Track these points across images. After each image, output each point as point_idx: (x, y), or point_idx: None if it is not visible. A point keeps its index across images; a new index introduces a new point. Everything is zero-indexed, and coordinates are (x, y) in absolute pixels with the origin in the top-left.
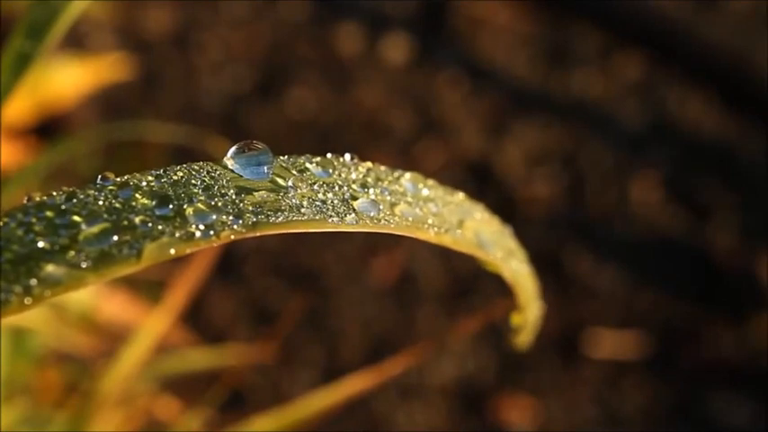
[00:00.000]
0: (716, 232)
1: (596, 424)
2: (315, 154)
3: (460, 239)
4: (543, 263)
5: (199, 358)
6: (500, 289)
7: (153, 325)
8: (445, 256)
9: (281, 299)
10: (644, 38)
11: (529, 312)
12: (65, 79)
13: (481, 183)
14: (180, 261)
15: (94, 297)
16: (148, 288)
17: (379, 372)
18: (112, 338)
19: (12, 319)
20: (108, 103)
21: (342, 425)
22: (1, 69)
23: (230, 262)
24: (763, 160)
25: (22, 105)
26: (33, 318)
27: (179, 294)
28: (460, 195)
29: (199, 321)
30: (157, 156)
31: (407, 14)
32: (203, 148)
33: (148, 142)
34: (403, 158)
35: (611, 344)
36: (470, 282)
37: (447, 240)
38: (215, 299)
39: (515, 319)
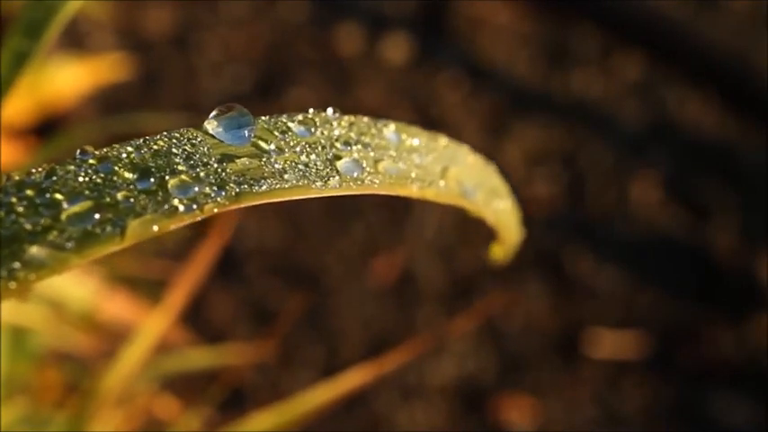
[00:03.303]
0: (716, 232)
1: (596, 424)
2: None
3: (443, 191)
4: (543, 263)
5: (199, 358)
6: (500, 289)
7: (153, 325)
8: (445, 256)
9: (280, 299)
10: (644, 38)
11: (509, 241)
12: (64, 79)
13: None
14: (180, 260)
15: (94, 296)
16: (148, 288)
17: (378, 367)
18: (112, 338)
19: (12, 319)
20: (108, 103)
21: (342, 424)
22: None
23: (230, 261)
24: (763, 160)
25: (21, 105)
26: (33, 317)
27: (179, 294)
28: (443, 140)
29: (199, 321)
30: None
31: (407, 14)
32: None
33: (147, 135)
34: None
35: (611, 344)
36: (470, 282)
37: (430, 194)
38: (215, 298)
39: (494, 250)
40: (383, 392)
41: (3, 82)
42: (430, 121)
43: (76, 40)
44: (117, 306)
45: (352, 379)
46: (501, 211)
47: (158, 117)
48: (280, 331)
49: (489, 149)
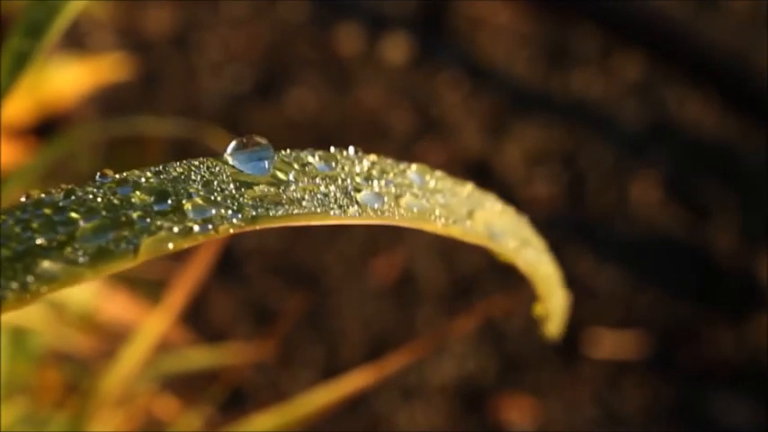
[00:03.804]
0: (716, 232)
1: (596, 424)
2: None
3: (470, 230)
4: None
5: (199, 357)
6: (500, 289)
7: (153, 324)
8: (445, 256)
9: (280, 299)
10: (644, 38)
11: (553, 301)
12: (65, 79)
13: (481, 183)
14: (180, 260)
15: (95, 297)
16: (148, 287)
17: (379, 369)
18: (112, 338)
19: (12, 319)
20: (108, 102)
21: (342, 424)
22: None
23: (230, 261)
24: (763, 160)
25: (21, 105)
26: (33, 318)
27: (179, 294)
28: (469, 186)
29: (199, 321)
30: (157, 152)
31: (407, 14)
32: (203, 144)
33: (148, 139)
34: (403, 158)
35: (611, 344)
36: (470, 282)
37: (456, 232)
38: (215, 298)
39: (537, 310)
40: (383, 392)
41: (3, 83)
42: (430, 121)
43: (76, 40)
44: (117, 306)
45: (352, 381)
46: (536, 262)
47: (158, 120)
48: (280, 331)
49: (489, 149)
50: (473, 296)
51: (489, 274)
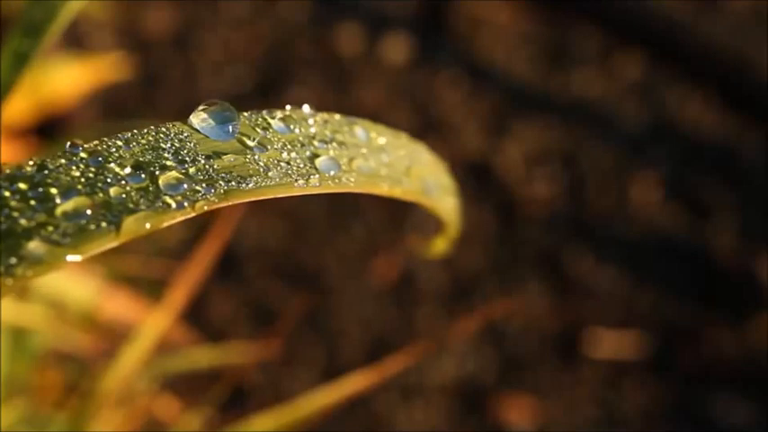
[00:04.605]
0: (716, 232)
1: (596, 424)
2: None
3: (409, 190)
4: (543, 263)
5: (199, 357)
6: (500, 289)
7: (153, 324)
8: (445, 256)
9: (281, 298)
10: (644, 38)
11: (451, 235)
12: (65, 79)
13: (481, 183)
14: (181, 259)
15: (95, 296)
16: (149, 287)
17: (379, 370)
18: (113, 338)
19: (12, 319)
20: (108, 103)
21: (342, 425)
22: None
23: (231, 261)
24: (763, 160)
25: (21, 105)
26: (33, 318)
27: (179, 293)
28: (404, 137)
29: (199, 321)
30: None
31: (407, 14)
32: None
33: None
34: None
35: (611, 344)
36: (470, 282)
37: (398, 192)
38: (216, 298)
39: (438, 241)
40: (383, 392)
41: (3, 83)
42: (430, 121)
43: (76, 40)
44: (117, 305)
45: (353, 383)
46: (450, 209)
47: (159, 122)
48: (280, 331)
49: (489, 149)
50: (473, 297)
51: (489, 275)
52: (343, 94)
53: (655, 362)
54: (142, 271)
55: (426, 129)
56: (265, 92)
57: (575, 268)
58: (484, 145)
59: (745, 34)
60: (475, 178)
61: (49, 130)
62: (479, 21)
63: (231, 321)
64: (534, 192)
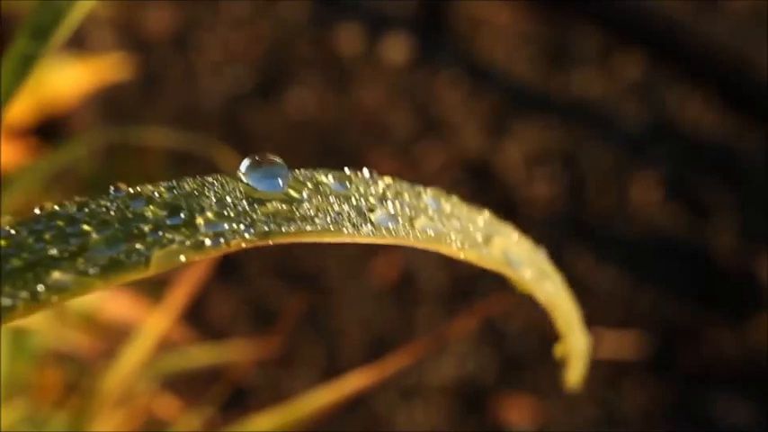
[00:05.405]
0: (716, 232)
1: (596, 424)
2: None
3: (486, 256)
4: None
5: (199, 357)
6: (500, 289)
7: (154, 324)
8: (445, 256)
9: (281, 298)
10: (644, 38)
11: (573, 340)
12: (65, 79)
13: (481, 183)
14: None
15: (95, 296)
16: (149, 287)
17: (379, 369)
18: (113, 337)
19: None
20: (108, 103)
21: (342, 424)
22: (1, 71)
23: (231, 261)
24: (763, 160)
25: (22, 106)
26: (33, 318)
27: (180, 293)
28: (486, 214)
29: (199, 320)
30: (158, 157)
31: (407, 14)
32: (203, 151)
33: (150, 146)
34: (403, 159)
35: (611, 344)
36: (470, 282)
37: (472, 256)
38: (216, 298)
39: (559, 350)
40: (383, 392)
41: (8, 85)
42: (430, 121)
43: (76, 40)
44: (118, 305)
45: (352, 382)
46: (555, 295)
47: (161, 129)
48: (281, 331)
49: (489, 149)
50: (473, 296)
51: (489, 275)
52: (343, 94)
53: (655, 362)
54: None
55: (426, 129)
56: (265, 92)
57: (574, 268)
58: (484, 145)
59: (745, 34)
60: (475, 178)
61: (49, 130)
62: (479, 21)
63: (231, 321)
64: (534, 192)
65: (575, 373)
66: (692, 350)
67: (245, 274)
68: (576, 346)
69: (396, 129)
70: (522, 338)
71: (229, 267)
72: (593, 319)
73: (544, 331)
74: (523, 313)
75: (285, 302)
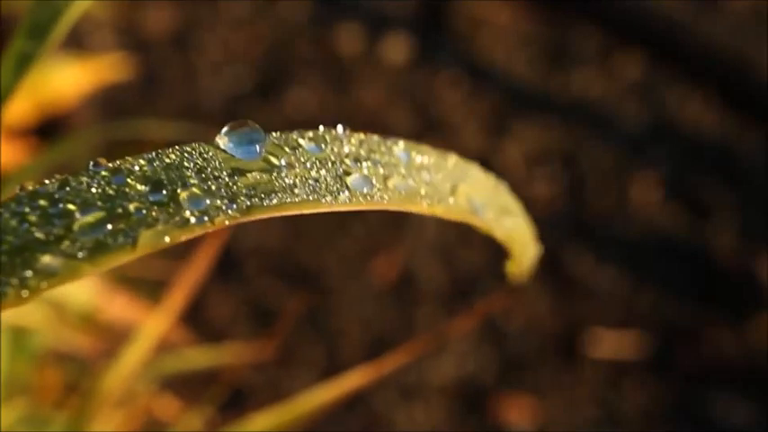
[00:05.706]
0: (716, 232)
1: (596, 424)
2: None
3: (453, 208)
4: (543, 263)
5: (199, 357)
6: (500, 289)
7: (153, 324)
8: (445, 255)
9: (280, 298)
10: (644, 38)
11: (524, 259)
12: (65, 79)
13: None
14: (180, 260)
15: (95, 297)
16: (149, 287)
17: (378, 367)
18: (113, 338)
19: (12, 319)
20: (108, 103)
21: (342, 424)
22: (1, 70)
23: (230, 261)
24: (763, 160)
25: (22, 105)
26: (33, 318)
27: (179, 294)
28: (453, 158)
29: (199, 321)
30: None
31: (407, 14)
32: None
33: (148, 141)
34: None
35: (611, 344)
36: (470, 282)
37: (439, 210)
38: (215, 298)
39: (509, 266)
40: (383, 392)
41: (6, 84)
42: (430, 121)
43: (76, 40)
44: (117, 306)
45: (351, 380)
46: (512, 229)
47: (161, 124)
48: (280, 331)
49: (489, 149)
50: (473, 296)
51: (489, 274)
52: (343, 94)
53: (655, 362)
54: (142, 271)
55: (426, 129)
56: (265, 92)
57: (575, 268)
58: (484, 145)
59: (745, 34)
60: None
61: (49, 130)
62: (479, 21)
63: (231, 321)
64: (534, 192)
65: (520, 274)
66: (692, 350)
67: (244, 274)
68: (526, 261)
69: (396, 129)
70: (523, 338)
71: (229, 267)
72: (593, 319)
73: (544, 331)
74: (524, 313)
75: (285, 302)
